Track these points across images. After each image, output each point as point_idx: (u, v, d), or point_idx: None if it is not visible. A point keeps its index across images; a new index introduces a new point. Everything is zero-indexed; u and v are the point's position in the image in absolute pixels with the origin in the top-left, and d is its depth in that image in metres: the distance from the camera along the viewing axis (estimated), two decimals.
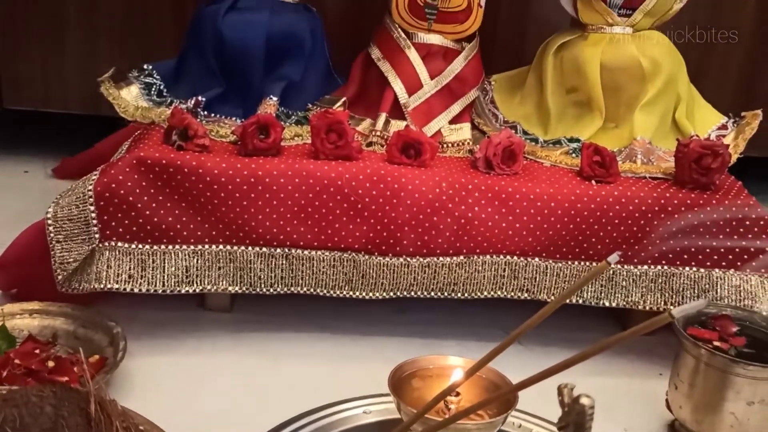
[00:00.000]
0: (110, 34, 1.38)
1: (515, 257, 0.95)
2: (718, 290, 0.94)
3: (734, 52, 1.39)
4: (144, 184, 0.90)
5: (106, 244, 0.89)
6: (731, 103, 1.44)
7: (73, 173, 1.42)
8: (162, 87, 1.13)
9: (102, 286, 0.89)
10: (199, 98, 1.05)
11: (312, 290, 0.94)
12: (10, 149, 1.52)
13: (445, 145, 1.06)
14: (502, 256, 0.95)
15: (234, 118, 1.06)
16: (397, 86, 1.06)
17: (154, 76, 1.14)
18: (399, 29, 1.09)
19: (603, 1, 1.08)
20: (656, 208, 0.95)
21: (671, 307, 0.86)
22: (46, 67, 1.41)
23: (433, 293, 0.95)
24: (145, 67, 1.15)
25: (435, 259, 0.94)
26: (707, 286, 0.95)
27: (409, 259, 0.93)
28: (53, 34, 1.38)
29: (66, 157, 1.47)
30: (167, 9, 1.35)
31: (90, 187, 0.89)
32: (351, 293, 0.94)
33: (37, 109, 1.45)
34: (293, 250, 0.93)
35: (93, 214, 0.88)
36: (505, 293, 0.96)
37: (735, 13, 1.36)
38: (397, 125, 1.04)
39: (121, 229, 0.89)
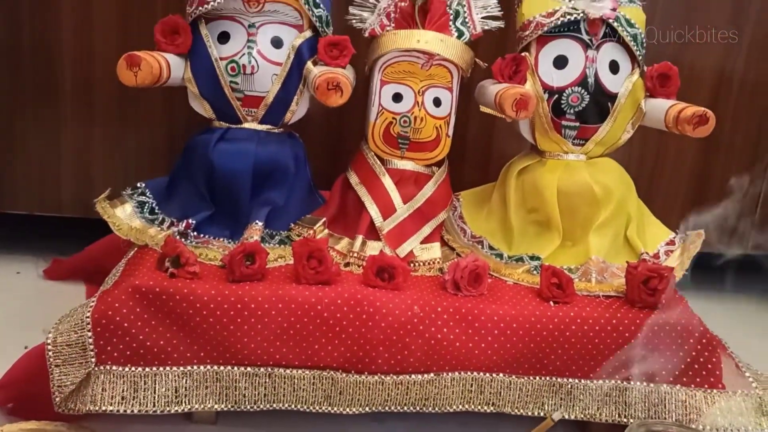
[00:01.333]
0: (103, 144, 1.47)
1: (481, 373, 1.03)
2: (666, 404, 1.03)
3: (688, 145, 1.52)
4: (138, 310, 0.97)
5: (102, 367, 0.96)
6: (685, 194, 1.58)
7: (64, 275, 1.50)
8: (154, 205, 1.21)
9: (97, 408, 0.95)
10: (190, 221, 1.14)
11: (293, 406, 1.01)
12: (3, 250, 1.58)
13: (416, 264, 1.15)
14: (469, 373, 1.02)
15: (222, 239, 1.15)
16: (373, 210, 1.16)
17: (147, 194, 1.22)
18: (374, 157, 1.19)
19: (558, 132, 1.20)
20: (609, 327, 1.04)
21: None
22: (42, 174, 1.49)
23: (405, 408, 1.03)
24: (138, 185, 1.24)
25: (407, 376, 1.01)
26: (656, 400, 1.03)
27: (383, 376, 1.01)
28: (49, 143, 1.47)
29: (56, 258, 1.53)
30: (158, 127, 1.45)
31: (88, 314, 0.96)
32: (330, 409, 1.01)
33: (32, 212, 1.53)
34: (276, 369, 1.00)
35: (90, 340, 0.95)
36: (473, 407, 1.03)
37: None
38: (373, 246, 1.14)
39: (115, 354, 0.96)
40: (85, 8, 1.39)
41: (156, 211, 1.21)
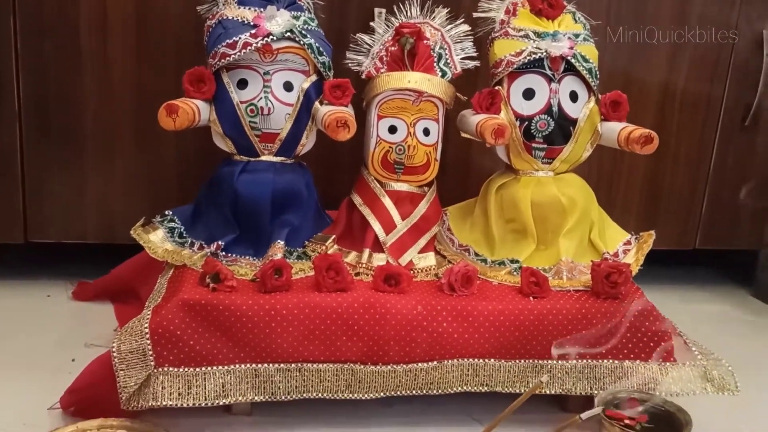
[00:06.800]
0: (122, 179, 1.64)
1: (476, 359, 1.22)
2: (629, 377, 1.24)
3: (639, 158, 1.74)
4: (188, 320, 1.15)
5: (160, 369, 1.13)
6: (639, 200, 1.81)
7: (91, 296, 1.65)
8: (182, 230, 1.39)
9: (158, 403, 1.12)
10: (219, 243, 1.32)
11: (320, 395, 1.19)
12: (33, 276, 1.74)
13: (415, 271, 1.34)
14: (466, 360, 1.22)
15: (248, 257, 1.32)
16: (376, 227, 1.35)
17: (176, 221, 1.40)
18: (374, 180, 1.39)
19: (529, 153, 1.40)
20: (579, 316, 1.25)
21: (584, 414, 1.15)
22: (68, 207, 1.64)
23: (414, 391, 1.21)
24: (166, 213, 1.41)
25: (415, 365, 1.20)
26: (620, 373, 1.24)
27: (395, 366, 1.20)
28: (74, 179, 1.62)
29: (81, 281, 1.69)
30: (170, 163, 1.63)
31: (146, 325, 1.13)
32: (350, 395, 1.20)
33: (59, 241, 1.68)
34: (305, 365, 1.18)
35: (149, 346, 1.12)
36: (470, 388, 1.22)
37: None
38: (378, 258, 1.33)
39: (171, 357, 1.13)
40: (102, 60, 1.55)
41: (184, 235, 1.38)
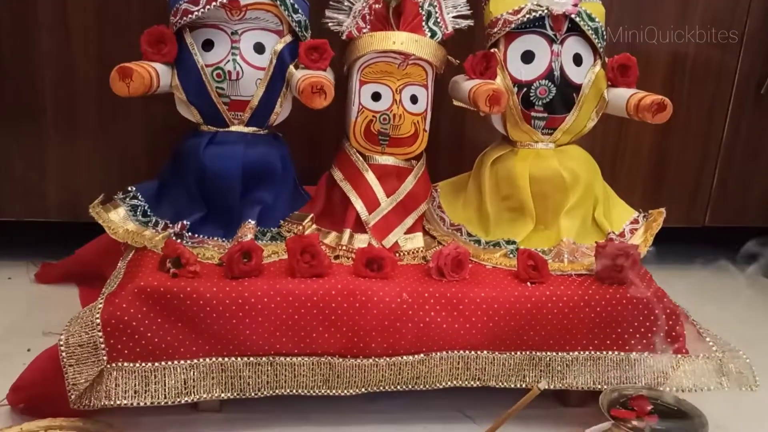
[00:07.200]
0: (86, 151, 1.52)
1: (467, 352, 1.11)
2: (636, 370, 1.12)
3: (646, 129, 1.62)
4: (145, 309, 1.03)
5: (114, 365, 1.01)
6: (645, 175, 1.69)
7: (55, 278, 1.54)
8: (146, 208, 1.26)
9: (111, 402, 1.01)
10: (185, 222, 1.19)
11: (294, 391, 1.08)
12: None
13: (401, 254, 1.22)
14: (455, 352, 1.11)
15: (216, 238, 1.20)
16: (358, 205, 1.22)
17: (139, 197, 1.27)
18: (357, 153, 1.26)
19: (528, 123, 1.28)
20: (581, 303, 1.13)
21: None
22: (28, 182, 1.52)
23: (398, 387, 1.10)
24: (129, 189, 1.28)
25: (399, 358, 1.09)
26: (627, 367, 1.13)
27: (377, 359, 1.08)
28: (34, 152, 1.51)
29: (45, 263, 1.57)
30: (138, 133, 1.51)
31: (97, 315, 1.02)
32: (328, 391, 1.09)
33: (20, 219, 1.56)
34: (277, 358, 1.07)
35: (101, 339, 1.01)
36: (460, 383, 1.12)
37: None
38: (360, 239, 1.21)
39: (126, 351, 1.02)
40: (61, 23, 1.42)
41: (148, 213, 1.26)
